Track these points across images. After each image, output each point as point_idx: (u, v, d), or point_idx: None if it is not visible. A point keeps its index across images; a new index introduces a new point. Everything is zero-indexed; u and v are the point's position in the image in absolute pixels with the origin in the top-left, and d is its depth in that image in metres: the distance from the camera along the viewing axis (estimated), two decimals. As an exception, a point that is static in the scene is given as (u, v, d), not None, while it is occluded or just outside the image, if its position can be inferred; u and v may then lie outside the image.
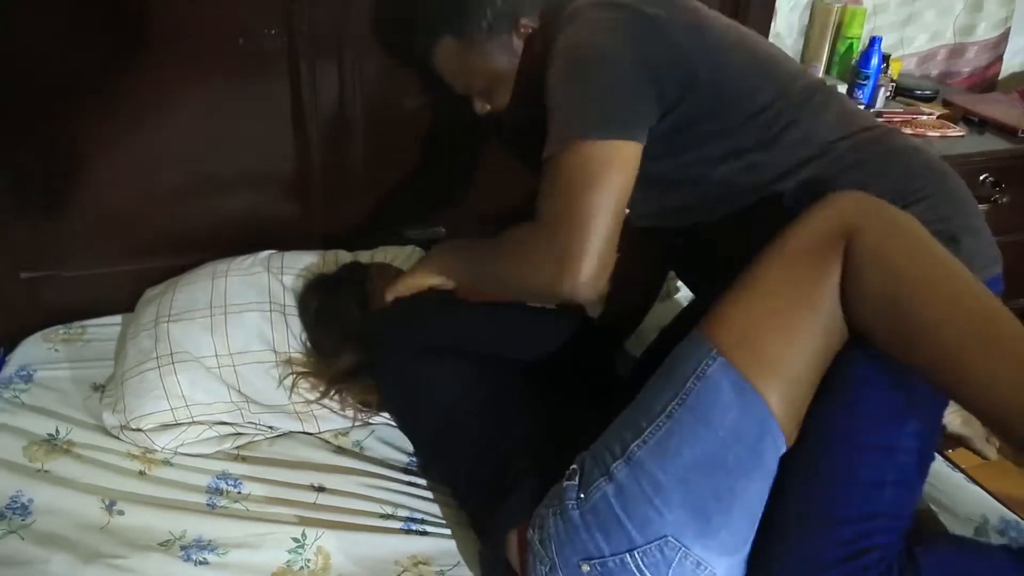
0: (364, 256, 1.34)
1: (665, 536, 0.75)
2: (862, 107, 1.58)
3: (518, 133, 1.07)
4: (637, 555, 0.76)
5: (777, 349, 0.77)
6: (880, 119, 1.55)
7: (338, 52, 1.24)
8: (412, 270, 1.09)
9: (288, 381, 1.13)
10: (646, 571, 0.76)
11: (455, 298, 1.06)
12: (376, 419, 1.16)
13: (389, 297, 1.07)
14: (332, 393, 1.13)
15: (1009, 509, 1.15)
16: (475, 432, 0.96)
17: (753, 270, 0.81)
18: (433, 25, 0.99)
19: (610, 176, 0.83)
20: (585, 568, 0.79)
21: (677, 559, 0.75)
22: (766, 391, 0.76)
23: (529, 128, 0.98)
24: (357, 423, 1.15)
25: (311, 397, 1.13)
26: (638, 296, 1.29)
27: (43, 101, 1.17)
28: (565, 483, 0.82)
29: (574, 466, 0.83)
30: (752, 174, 0.93)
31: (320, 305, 1.16)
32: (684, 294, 1.44)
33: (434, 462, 1.06)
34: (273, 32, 1.19)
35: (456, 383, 1.00)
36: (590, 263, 0.81)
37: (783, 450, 0.79)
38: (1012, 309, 1.83)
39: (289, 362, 1.15)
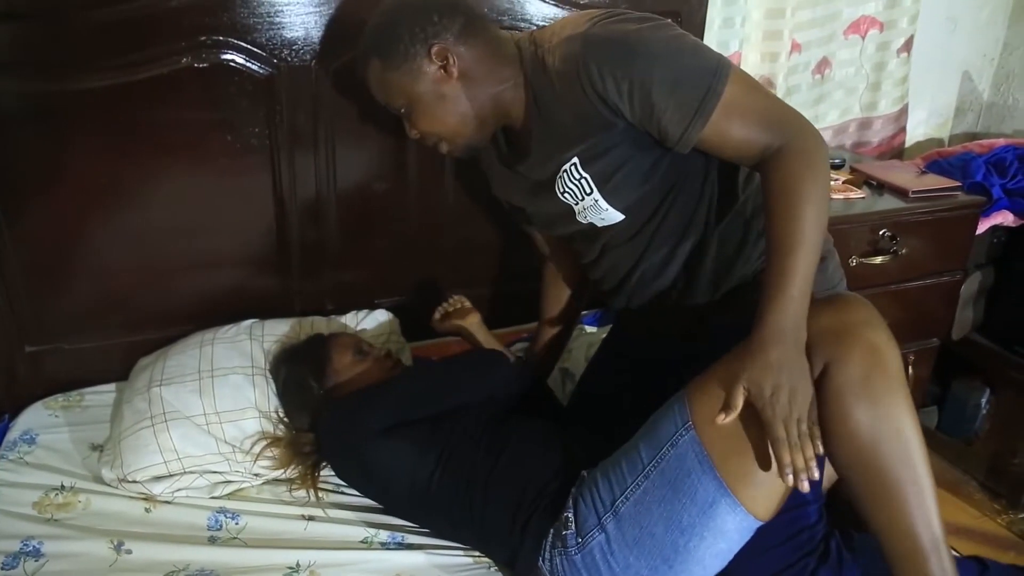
0: (336, 324, 1.57)
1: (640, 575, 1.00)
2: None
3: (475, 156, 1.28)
4: None
5: (739, 432, 0.95)
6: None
7: (313, 145, 1.49)
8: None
9: (256, 448, 1.32)
10: None
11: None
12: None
13: None
14: (292, 468, 1.31)
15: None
16: (445, 491, 1.15)
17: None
18: (365, 49, 1.14)
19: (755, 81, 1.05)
20: None
21: None
22: (722, 466, 0.95)
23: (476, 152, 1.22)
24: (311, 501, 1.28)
25: (275, 469, 1.31)
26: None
27: (51, 190, 1.38)
28: (564, 531, 1.04)
29: (568, 513, 1.04)
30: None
31: (284, 375, 1.38)
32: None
33: (414, 520, 1.24)
34: (257, 130, 1.46)
35: (408, 453, 1.17)
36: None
37: (747, 519, 0.96)
38: (920, 350, 2.25)
39: (262, 434, 1.34)
